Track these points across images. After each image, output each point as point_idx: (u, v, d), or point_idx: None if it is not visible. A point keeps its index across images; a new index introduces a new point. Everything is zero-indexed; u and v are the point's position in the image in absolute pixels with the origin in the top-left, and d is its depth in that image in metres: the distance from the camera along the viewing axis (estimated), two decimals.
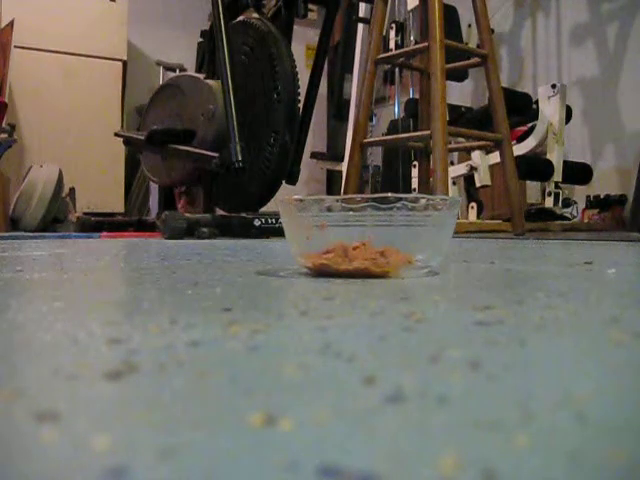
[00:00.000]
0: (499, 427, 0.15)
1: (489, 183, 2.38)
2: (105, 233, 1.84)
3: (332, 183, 4.02)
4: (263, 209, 1.91)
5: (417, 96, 2.37)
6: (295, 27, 2.00)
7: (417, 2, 2.28)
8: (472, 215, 2.54)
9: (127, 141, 2.19)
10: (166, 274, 0.58)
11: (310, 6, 2.01)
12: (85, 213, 2.49)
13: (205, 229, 1.63)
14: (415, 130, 2.33)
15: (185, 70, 3.11)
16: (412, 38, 2.75)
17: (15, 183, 2.38)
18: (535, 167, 2.30)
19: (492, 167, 2.36)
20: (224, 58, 1.71)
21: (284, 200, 0.55)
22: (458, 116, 2.50)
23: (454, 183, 2.55)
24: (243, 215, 1.68)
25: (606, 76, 2.73)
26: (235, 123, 1.67)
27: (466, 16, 2.65)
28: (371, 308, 0.34)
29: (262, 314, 0.33)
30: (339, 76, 3.57)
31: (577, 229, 2.36)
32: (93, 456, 0.13)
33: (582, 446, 0.14)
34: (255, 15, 1.93)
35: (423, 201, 0.52)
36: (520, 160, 2.05)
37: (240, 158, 1.65)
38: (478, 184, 2.40)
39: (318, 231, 0.52)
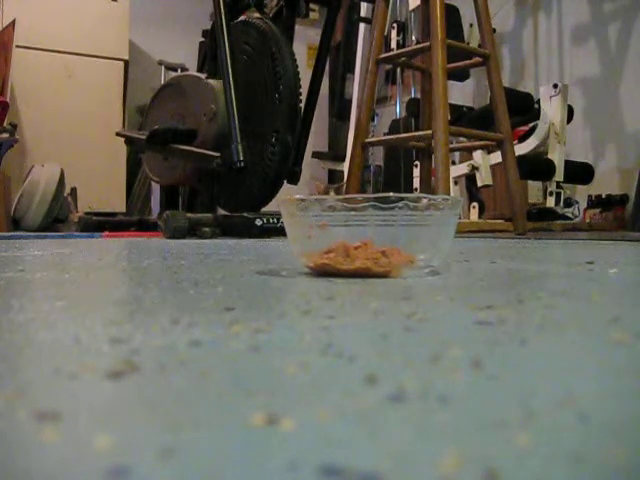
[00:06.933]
0: (500, 427, 0.15)
1: (491, 183, 2.38)
2: (107, 233, 1.84)
3: (334, 183, 4.02)
4: (264, 209, 1.91)
5: (419, 96, 2.37)
6: (296, 27, 2.00)
7: (418, 2, 2.28)
8: (474, 215, 2.54)
9: (129, 141, 2.19)
10: (167, 274, 0.58)
11: (311, 6, 2.01)
12: (87, 213, 2.49)
13: (207, 229, 1.64)
14: (417, 130, 2.33)
15: (187, 70, 3.11)
16: (414, 38, 2.75)
17: (17, 183, 2.38)
18: (537, 167, 2.30)
19: (494, 167, 2.35)
20: (225, 58, 1.71)
21: (285, 200, 0.55)
22: (460, 116, 2.50)
23: (456, 183, 2.55)
24: (245, 215, 1.68)
25: (608, 76, 2.72)
26: (236, 123, 1.67)
27: (468, 16, 2.64)
28: (373, 308, 0.34)
29: (264, 314, 0.33)
30: (341, 76, 3.57)
31: (579, 229, 2.36)
32: (94, 456, 0.13)
33: (583, 446, 0.13)
34: (257, 15, 1.93)
35: (425, 201, 0.52)
36: (522, 160, 2.04)
37: (241, 158, 1.65)
38: (480, 184, 2.40)
39: (319, 231, 0.52)
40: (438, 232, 0.54)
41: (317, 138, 3.81)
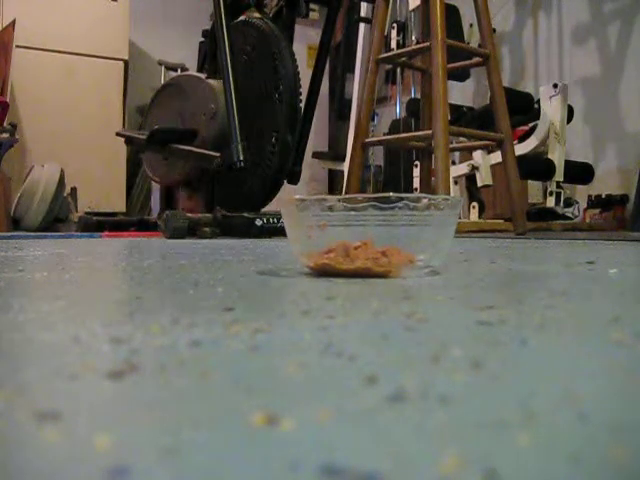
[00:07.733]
0: (501, 427, 0.15)
1: (491, 183, 2.38)
2: (107, 233, 1.84)
3: (334, 183, 4.02)
4: (265, 209, 1.91)
5: (419, 96, 2.37)
6: (297, 27, 2.00)
7: (419, 2, 2.28)
8: (474, 215, 2.54)
9: (129, 141, 2.19)
10: (167, 274, 0.58)
11: (312, 6, 2.01)
12: (87, 213, 2.48)
13: (207, 229, 1.64)
14: (417, 130, 2.33)
15: (187, 70, 3.10)
16: (414, 38, 2.75)
17: (17, 183, 2.38)
18: (537, 167, 2.30)
19: (494, 167, 2.35)
20: (225, 58, 1.71)
21: (286, 200, 0.55)
22: (460, 116, 2.50)
23: (456, 183, 2.55)
24: (245, 215, 1.68)
25: (608, 75, 2.72)
26: (236, 123, 1.67)
27: (468, 15, 2.64)
28: (373, 308, 0.34)
29: (263, 314, 0.33)
30: (341, 76, 3.57)
31: (579, 229, 2.36)
32: (94, 456, 0.13)
33: (583, 446, 0.13)
34: (257, 14, 1.93)
35: (425, 201, 0.52)
36: (522, 160, 2.04)
37: (241, 158, 1.65)
38: (480, 184, 2.40)
39: (319, 231, 0.52)
40: (438, 232, 0.54)
41: (317, 138, 3.81)
